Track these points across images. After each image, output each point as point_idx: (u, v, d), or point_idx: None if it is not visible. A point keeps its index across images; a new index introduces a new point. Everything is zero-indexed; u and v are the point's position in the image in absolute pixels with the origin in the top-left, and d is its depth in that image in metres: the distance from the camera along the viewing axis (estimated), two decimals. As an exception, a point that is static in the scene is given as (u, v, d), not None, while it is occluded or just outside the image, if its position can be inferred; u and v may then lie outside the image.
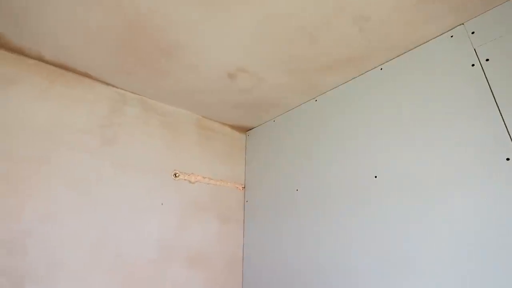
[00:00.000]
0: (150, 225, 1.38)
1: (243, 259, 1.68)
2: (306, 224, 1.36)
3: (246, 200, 1.79)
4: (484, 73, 0.94)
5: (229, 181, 1.77)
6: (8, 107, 1.14)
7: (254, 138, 1.90)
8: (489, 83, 0.92)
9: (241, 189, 1.82)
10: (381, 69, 1.24)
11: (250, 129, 1.95)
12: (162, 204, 1.44)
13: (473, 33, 1.00)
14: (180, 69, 1.30)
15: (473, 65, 0.97)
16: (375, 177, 1.13)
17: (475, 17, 1.00)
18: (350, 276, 1.12)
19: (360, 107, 1.28)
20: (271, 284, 1.45)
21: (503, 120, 0.86)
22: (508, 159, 0.83)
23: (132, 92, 1.50)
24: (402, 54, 1.18)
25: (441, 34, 1.08)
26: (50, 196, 1.15)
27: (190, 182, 1.59)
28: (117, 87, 1.45)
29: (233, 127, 1.91)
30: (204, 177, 1.66)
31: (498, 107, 0.88)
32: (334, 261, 1.20)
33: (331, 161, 1.33)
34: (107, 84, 1.42)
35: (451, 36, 1.05)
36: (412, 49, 1.15)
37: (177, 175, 1.54)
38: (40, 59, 1.23)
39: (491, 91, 0.91)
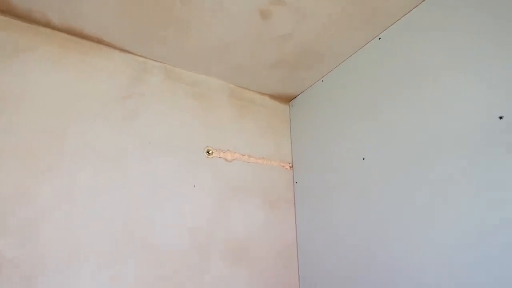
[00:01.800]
0: (181, 210, 1.16)
1: (297, 250, 1.37)
2: (371, 204, 1.00)
3: (295, 181, 1.48)
4: None
5: (274, 159, 1.48)
6: (20, 77, 1.01)
7: (299, 107, 1.57)
8: None
9: (289, 168, 1.51)
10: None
11: (293, 98, 1.63)
12: (194, 186, 1.21)
13: None
14: (201, 15, 1.05)
15: None
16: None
17: None
18: (431, 269, 0.74)
19: (444, 35, 0.87)
20: (334, 277, 1.12)
21: None
22: None
23: (153, 60, 1.30)
24: None
25: None
26: (67, 174, 1.00)
27: (226, 160, 1.34)
28: (135, 54, 1.26)
29: (273, 96, 1.61)
30: (243, 155, 1.39)
31: None
32: (411, 250, 0.82)
33: (406, 118, 0.94)
34: (124, 51, 1.24)
35: None
36: None
37: (210, 152, 1.30)
38: (48, 25, 1.09)
39: None
